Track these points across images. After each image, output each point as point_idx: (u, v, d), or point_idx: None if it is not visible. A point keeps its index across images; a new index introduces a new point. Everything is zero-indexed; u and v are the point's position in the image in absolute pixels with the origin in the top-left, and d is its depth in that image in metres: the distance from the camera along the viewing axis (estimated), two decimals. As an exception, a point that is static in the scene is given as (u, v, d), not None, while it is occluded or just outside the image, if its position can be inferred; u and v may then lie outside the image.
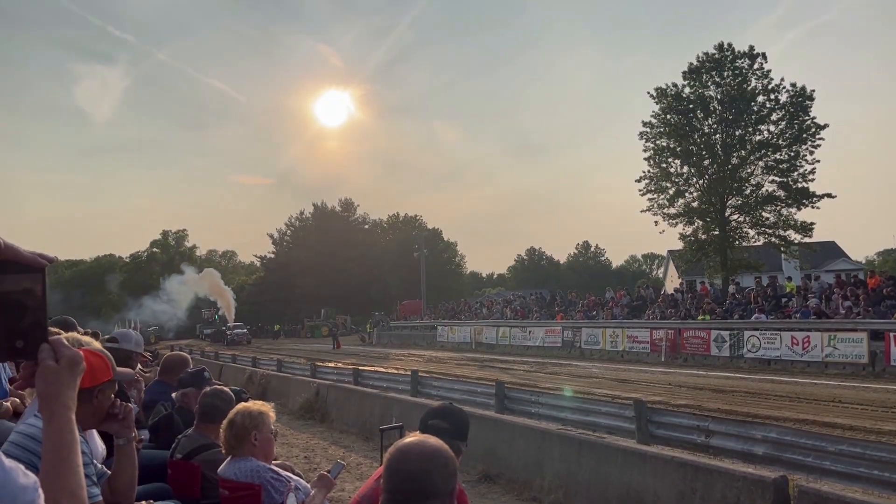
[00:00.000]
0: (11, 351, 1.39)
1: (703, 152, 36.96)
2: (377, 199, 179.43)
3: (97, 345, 2.88)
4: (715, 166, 36.74)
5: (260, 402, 3.88)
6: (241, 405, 3.86)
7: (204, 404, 4.30)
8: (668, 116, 37.63)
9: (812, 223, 35.38)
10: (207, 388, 4.57)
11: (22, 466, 1.07)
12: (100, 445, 3.18)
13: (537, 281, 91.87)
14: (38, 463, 1.30)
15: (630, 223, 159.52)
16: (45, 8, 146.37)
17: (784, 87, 35.39)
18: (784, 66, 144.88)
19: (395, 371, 20.83)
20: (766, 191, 36.14)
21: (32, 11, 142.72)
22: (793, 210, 35.59)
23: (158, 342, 61.24)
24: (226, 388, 4.51)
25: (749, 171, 36.52)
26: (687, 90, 37.32)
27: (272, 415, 3.84)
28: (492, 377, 18.42)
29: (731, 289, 30.23)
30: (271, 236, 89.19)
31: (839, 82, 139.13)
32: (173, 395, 5.35)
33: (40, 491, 1.08)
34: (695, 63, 37.04)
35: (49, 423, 1.36)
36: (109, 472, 2.84)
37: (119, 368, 2.74)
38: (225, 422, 3.75)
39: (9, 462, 1.05)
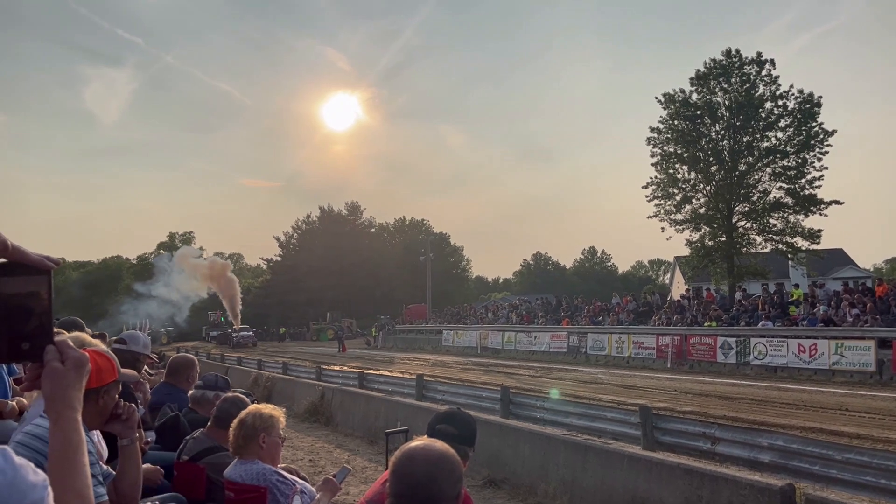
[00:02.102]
0: (17, 353, 1.40)
1: (711, 158, 36.86)
2: (384, 203, 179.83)
3: (103, 346, 2.89)
4: (722, 172, 36.63)
5: (271, 406, 3.89)
6: (253, 406, 3.88)
7: (220, 409, 4.32)
8: (676, 122, 37.53)
9: (820, 230, 35.24)
10: (229, 394, 4.59)
11: (31, 464, 1.08)
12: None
13: (543, 286, 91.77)
14: (44, 463, 1.31)
15: (636, 229, 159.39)
16: (55, 10, 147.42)
17: (792, 94, 35.31)
18: (793, 72, 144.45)
19: (400, 375, 20.80)
20: (774, 197, 36.00)
21: (41, 14, 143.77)
22: (800, 217, 35.44)
23: (171, 342, 61.16)
24: (244, 398, 4.51)
25: (756, 177, 36.39)
26: (694, 96, 37.25)
27: (282, 420, 3.84)
28: (497, 382, 18.40)
29: (738, 295, 30.10)
30: (278, 239, 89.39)
31: (849, 88, 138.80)
32: (190, 392, 5.36)
33: (49, 489, 1.08)
34: (702, 69, 36.98)
35: (55, 424, 1.36)
36: (114, 472, 2.84)
37: (123, 370, 2.74)
38: (235, 421, 3.75)
39: (19, 459, 1.05)
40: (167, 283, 58.58)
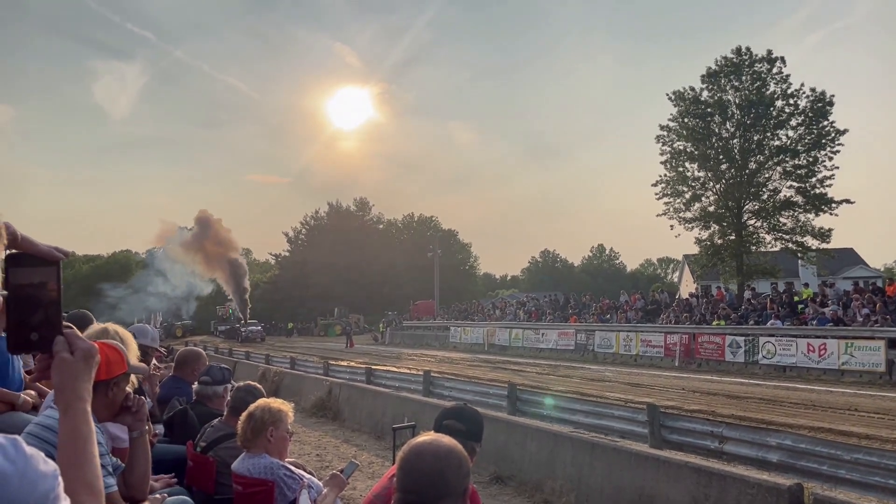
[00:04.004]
0: (26, 343, 1.40)
1: (721, 156, 36.71)
2: (392, 200, 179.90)
3: (126, 332, 2.91)
4: (732, 171, 36.48)
5: (280, 401, 3.91)
6: (262, 400, 3.91)
7: (236, 398, 4.40)
8: (686, 120, 37.38)
9: (830, 229, 35.05)
10: (241, 384, 4.67)
11: (42, 454, 1.08)
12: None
13: (551, 283, 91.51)
14: (55, 454, 1.31)
15: (645, 227, 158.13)
16: (64, 4, 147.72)
17: (803, 93, 35.10)
18: (806, 69, 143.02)
19: (408, 371, 20.83)
20: (784, 196, 35.84)
21: (52, 8, 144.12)
22: (810, 216, 35.27)
23: (186, 335, 61.38)
24: (259, 386, 4.57)
25: (767, 175, 36.22)
26: (705, 94, 37.08)
27: (291, 415, 3.86)
28: (504, 379, 18.39)
29: (747, 294, 29.97)
30: (286, 235, 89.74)
31: (862, 85, 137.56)
32: (195, 388, 5.39)
33: (60, 479, 1.08)
34: (713, 67, 36.80)
35: (65, 415, 1.37)
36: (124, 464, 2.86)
37: (133, 363, 2.75)
38: (244, 414, 3.78)
39: (29, 449, 1.06)
40: (165, 278, 58.20)
